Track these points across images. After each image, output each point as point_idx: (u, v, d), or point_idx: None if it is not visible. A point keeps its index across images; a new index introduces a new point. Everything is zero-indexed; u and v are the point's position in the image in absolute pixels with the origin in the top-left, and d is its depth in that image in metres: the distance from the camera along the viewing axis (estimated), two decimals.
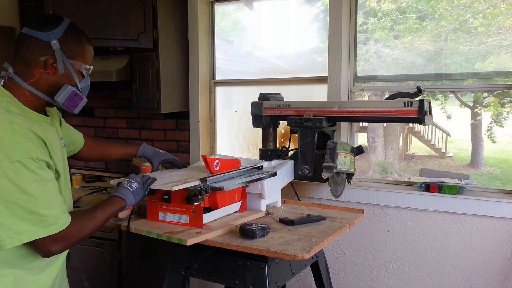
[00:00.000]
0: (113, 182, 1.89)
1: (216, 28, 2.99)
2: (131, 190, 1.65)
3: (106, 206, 1.56)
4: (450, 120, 7.73)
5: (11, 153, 1.27)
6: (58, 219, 1.34)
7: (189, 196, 1.78)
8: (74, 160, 1.99)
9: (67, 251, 1.52)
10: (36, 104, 1.46)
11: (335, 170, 2.02)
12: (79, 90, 1.50)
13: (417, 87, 2.01)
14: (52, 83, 1.45)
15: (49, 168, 1.39)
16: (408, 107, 1.97)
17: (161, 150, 2.13)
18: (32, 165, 1.30)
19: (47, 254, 1.38)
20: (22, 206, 1.28)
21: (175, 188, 1.73)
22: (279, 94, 2.41)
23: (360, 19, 2.58)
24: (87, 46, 1.53)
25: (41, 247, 1.35)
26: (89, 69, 1.53)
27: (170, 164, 2.15)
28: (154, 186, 1.76)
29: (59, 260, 1.56)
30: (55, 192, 1.39)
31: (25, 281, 1.43)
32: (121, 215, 1.87)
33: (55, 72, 1.44)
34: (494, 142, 7.31)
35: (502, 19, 2.53)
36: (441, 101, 7.26)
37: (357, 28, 2.53)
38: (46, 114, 1.53)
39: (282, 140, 2.67)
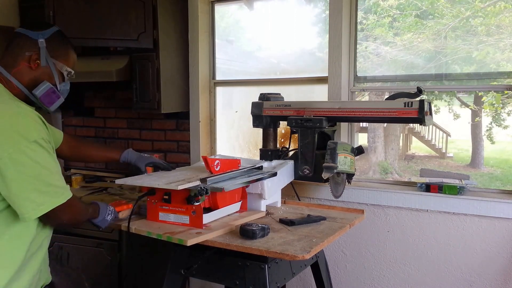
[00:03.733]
0: (118, 181, 1.92)
1: (216, 28, 2.99)
2: (107, 218, 1.76)
3: (89, 208, 1.70)
4: (451, 120, 7.72)
5: (27, 135, 1.39)
6: (66, 189, 1.49)
7: (189, 197, 1.78)
8: (74, 160, 1.99)
9: (50, 240, 1.60)
10: (21, 97, 1.54)
11: (335, 170, 2.02)
12: (57, 90, 1.59)
13: (417, 87, 2.01)
14: (33, 77, 1.54)
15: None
16: (408, 107, 1.97)
17: (145, 154, 2.16)
18: (44, 143, 1.44)
19: (58, 222, 1.53)
20: (42, 179, 1.41)
21: (180, 187, 1.74)
22: (279, 94, 2.41)
23: (359, 16, 2.56)
24: (71, 50, 1.64)
25: (53, 217, 1.46)
26: (70, 72, 1.63)
27: (155, 167, 2.16)
28: (158, 185, 1.79)
29: (41, 252, 1.57)
30: (59, 166, 1.55)
31: None
32: (122, 215, 1.87)
33: (37, 68, 1.54)
34: (493, 142, 7.30)
35: (502, 18, 2.52)
36: (447, 101, 7.23)
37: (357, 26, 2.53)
38: None
39: (282, 140, 2.67)
